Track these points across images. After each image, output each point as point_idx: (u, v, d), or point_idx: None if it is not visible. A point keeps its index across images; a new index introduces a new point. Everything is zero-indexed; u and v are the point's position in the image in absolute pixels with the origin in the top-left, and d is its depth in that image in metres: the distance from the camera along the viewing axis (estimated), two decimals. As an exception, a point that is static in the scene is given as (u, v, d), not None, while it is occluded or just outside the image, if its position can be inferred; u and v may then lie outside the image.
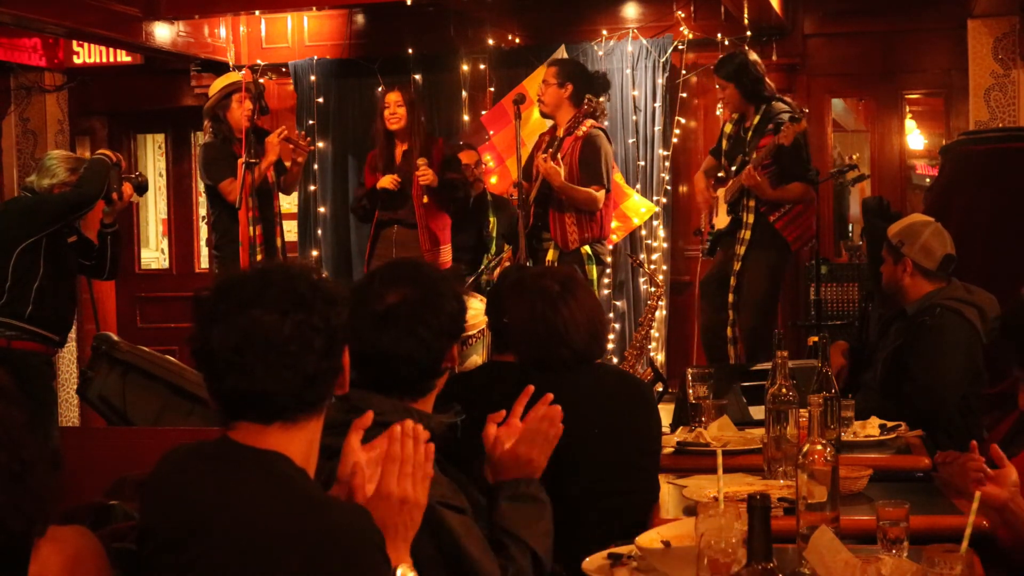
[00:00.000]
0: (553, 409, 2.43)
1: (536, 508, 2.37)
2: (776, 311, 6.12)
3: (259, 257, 6.28)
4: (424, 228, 6.24)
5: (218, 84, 6.34)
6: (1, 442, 1.78)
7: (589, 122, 5.83)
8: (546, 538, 2.37)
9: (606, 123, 6.09)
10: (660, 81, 7.34)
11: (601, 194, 5.79)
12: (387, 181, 6.23)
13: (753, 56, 5.99)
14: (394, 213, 6.33)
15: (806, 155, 5.85)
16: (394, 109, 6.25)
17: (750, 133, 5.86)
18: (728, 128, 6.12)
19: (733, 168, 5.94)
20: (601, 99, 5.98)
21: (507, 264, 6.07)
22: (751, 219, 5.79)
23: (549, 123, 6.29)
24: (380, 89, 6.47)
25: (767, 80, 5.96)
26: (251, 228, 6.29)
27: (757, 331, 5.83)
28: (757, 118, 5.86)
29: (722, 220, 5.98)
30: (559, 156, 5.75)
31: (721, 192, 6.01)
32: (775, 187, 5.75)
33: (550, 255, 5.83)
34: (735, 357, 5.84)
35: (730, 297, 5.87)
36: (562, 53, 7.25)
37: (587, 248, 5.82)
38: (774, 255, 5.88)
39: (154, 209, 10.62)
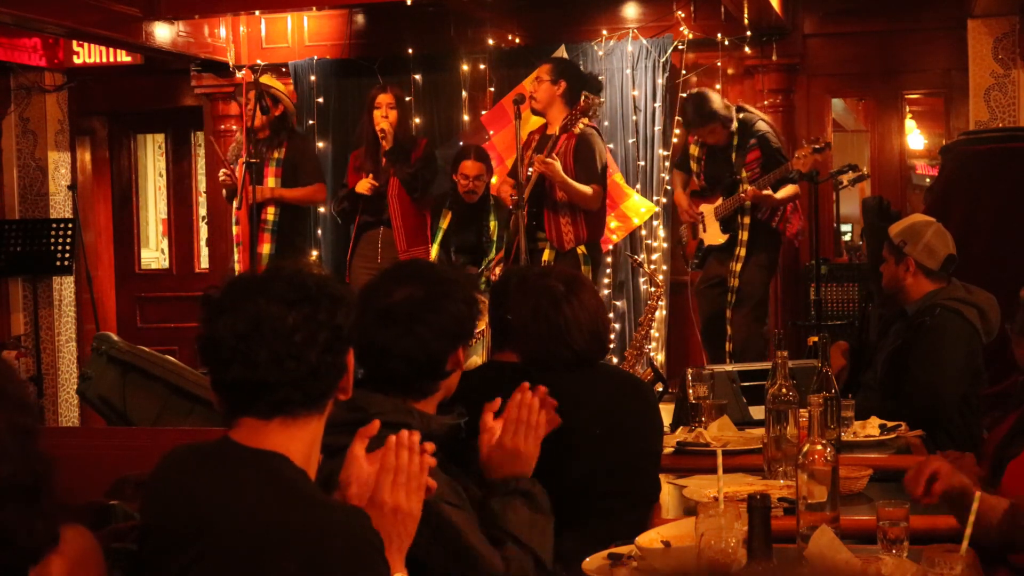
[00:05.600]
0: (534, 398, 2.42)
1: (529, 506, 2.36)
2: (767, 308, 6.25)
3: (236, 257, 6.48)
4: (399, 228, 6.27)
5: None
6: (10, 453, 1.69)
7: (584, 120, 5.87)
8: (543, 537, 2.36)
9: (605, 123, 6.13)
10: (660, 81, 7.34)
11: (598, 192, 5.86)
12: (363, 186, 6.29)
13: (693, 85, 6.15)
14: (379, 215, 6.36)
15: (782, 156, 6.08)
16: (386, 111, 6.29)
17: (734, 153, 6.01)
18: (695, 150, 6.24)
19: (723, 185, 6.14)
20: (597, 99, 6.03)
21: (498, 265, 6.09)
22: (746, 236, 6.03)
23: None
24: (373, 91, 6.48)
25: (720, 98, 6.15)
26: (233, 228, 6.51)
27: (751, 329, 6.04)
28: (736, 138, 6.04)
29: (713, 236, 6.17)
30: (554, 153, 5.78)
31: (707, 208, 6.14)
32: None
33: (546, 255, 5.88)
34: (728, 356, 5.98)
35: (730, 297, 6.05)
36: (562, 53, 7.25)
37: (583, 248, 5.87)
38: (765, 256, 6.12)
39: (154, 209, 10.62)
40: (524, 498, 2.37)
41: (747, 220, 6.01)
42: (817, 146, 5.75)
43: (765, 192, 5.90)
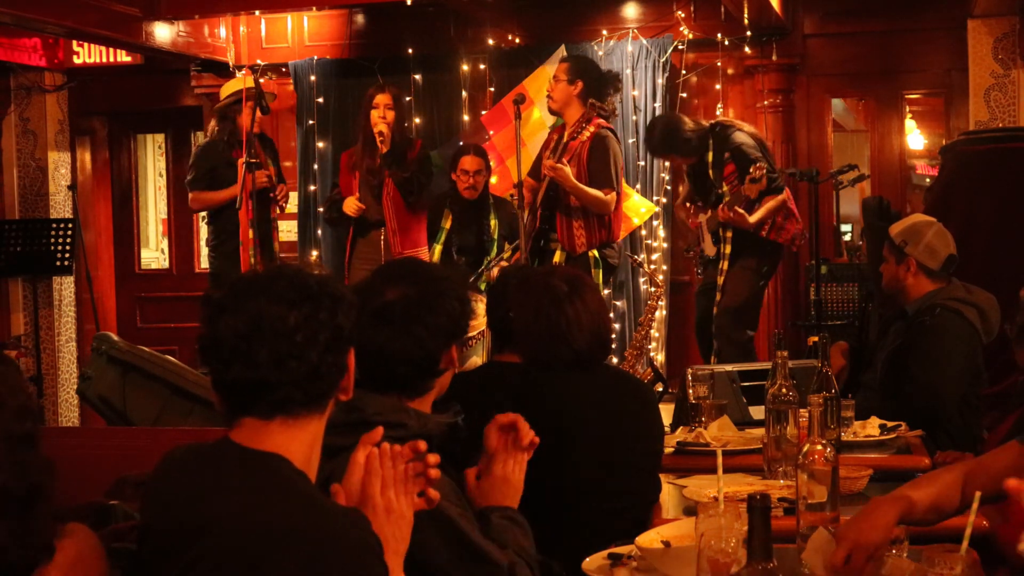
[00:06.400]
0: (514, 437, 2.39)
1: (524, 531, 2.37)
2: (754, 316, 6.20)
3: (251, 260, 6.43)
4: (394, 231, 6.25)
5: (233, 86, 6.58)
6: (1, 464, 1.67)
7: (597, 122, 5.83)
8: (534, 561, 2.36)
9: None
10: (660, 81, 7.34)
11: (612, 197, 5.78)
12: (351, 207, 6.26)
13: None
14: (379, 216, 6.34)
15: (769, 167, 6.01)
16: (384, 111, 6.25)
17: (711, 170, 6.01)
18: (684, 167, 6.30)
19: (710, 200, 6.13)
20: (613, 99, 6.01)
21: (497, 265, 6.08)
22: (728, 249, 6.03)
23: (551, 123, 6.29)
24: (371, 91, 6.45)
25: (691, 123, 6.11)
26: (249, 231, 6.43)
27: (731, 335, 6.02)
28: (711, 154, 6.05)
29: (708, 247, 6.21)
30: (564, 160, 5.74)
31: (703, 218, 6.16)
32: (753, 210, 5.91)
33: (557, 258, 5.84)
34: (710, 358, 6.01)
35: (715, 309, 6.07)
36: (562, 53, 7.25)
37: (595, 252, 5.83)
38: (755, 261, 6.07)
39: (154, 209, 10.62)
40: (519, 525, 2.36)
41: (729, 234, 6.01)
42: (753, 177, 5.72)
43: (733, 214, 5.81)
